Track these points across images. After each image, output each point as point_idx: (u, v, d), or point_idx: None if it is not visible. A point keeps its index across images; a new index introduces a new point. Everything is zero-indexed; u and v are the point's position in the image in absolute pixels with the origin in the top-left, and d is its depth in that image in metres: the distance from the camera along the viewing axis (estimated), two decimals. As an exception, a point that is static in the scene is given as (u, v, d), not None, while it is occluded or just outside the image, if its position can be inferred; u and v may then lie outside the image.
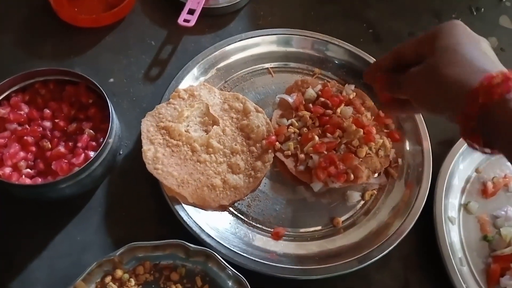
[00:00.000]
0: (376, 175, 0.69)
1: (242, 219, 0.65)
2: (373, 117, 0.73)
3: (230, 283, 0.58)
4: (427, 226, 0.66)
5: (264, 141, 0.68)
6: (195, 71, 0.73)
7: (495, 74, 0.44)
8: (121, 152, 0.69)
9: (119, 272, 0.58)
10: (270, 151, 0.68)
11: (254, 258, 0.60)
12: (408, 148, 0.72)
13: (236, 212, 0.65)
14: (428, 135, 0.72)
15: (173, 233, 0.60)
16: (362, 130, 0.68)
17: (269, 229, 0.65)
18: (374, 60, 0.77)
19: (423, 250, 0.66)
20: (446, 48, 0.49)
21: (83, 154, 0.61)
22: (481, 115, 0.44)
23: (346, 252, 0.63)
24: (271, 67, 0.78)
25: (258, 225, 0.65)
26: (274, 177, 0.69)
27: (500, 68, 0.46)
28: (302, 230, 0.66)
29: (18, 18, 0.80)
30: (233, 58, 0.77)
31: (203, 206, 0.63)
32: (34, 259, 0.60)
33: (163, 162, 0.64)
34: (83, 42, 0.78)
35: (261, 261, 0.60)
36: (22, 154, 0.61)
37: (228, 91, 0.75)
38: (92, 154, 0.61)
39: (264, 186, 0.68)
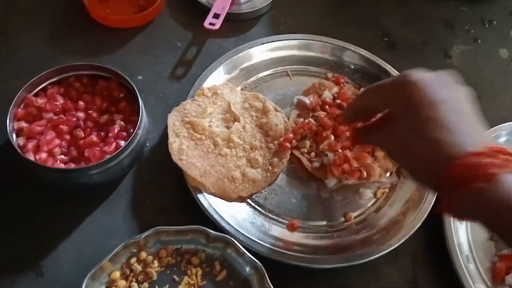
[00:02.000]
0: (388, 174, 0.73)
1: (259, 210, 0.69)
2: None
3: (247, 269, 0.62)
4: (436, 224, 0.69)
5: (281, 138, 0.72)
6: (220, 70, 0.77)
7: (463, 160, 0.40)
8: (147, 144, 0.73)
9: (143, 254, 0.62)
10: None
11: (270, 246, 0.63)
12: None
13: (253, 204, 0.69)
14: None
15: (195, 221, 0.63)
16: (375, 131, 0.72)
17: (285, 221, 0.68)
18: (389, 66, 0.81)
19: (431, 247, 0.69)
20: (419, 107, 0.44)
21: (114, 143, 0.65)
22: (455, 200, 0.42)
23: (357, 245, 0.66)
24: (290, 70, 0.82)
25: (274, 216, 0.68)
26: (290, 172, 0.73)
27: (482, 140, 0.42)
28: (315, 223, 0.69)
29: (52, 16, 0.86)
30: (255, 60, 0.81)
31: (223, 196, 0.67)
32: (63, 241, 0.64)
33: (187, 154, 0.68)
34: (113, 41, 0.83)
35: (277, 249, 0.63)
36: (57, 141, 0.66)
37: (249, 91, 0.79)
38: (122, 143, 0.65)
39: (281, 181, 0.72)
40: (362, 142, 0.56)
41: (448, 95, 0.46)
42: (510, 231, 0.41)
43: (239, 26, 0.88)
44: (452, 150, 0.42)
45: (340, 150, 0.70)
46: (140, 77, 0.79)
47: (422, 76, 0.46)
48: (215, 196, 0.67)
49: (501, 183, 0.40)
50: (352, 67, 0.83)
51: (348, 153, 0.70)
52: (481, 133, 0.45)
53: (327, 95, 0.76)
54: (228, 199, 0.68)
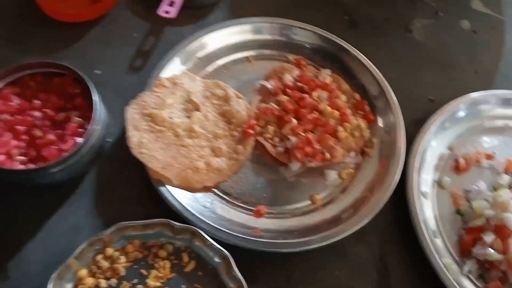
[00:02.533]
0: (352, 154, 0.73)
1: (225, 198, 0.69)
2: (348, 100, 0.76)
3: (215, 258, 0.62)
4: (402, 201, 0.70)
5: (245, 125, 0.72)
6: (176, 60, 0.76)
7: None
8: (108, 139, 0.72)
9: (109, 250, 0.61)
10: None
11: (237, 234, 0.63)
12: (381, 125, 0.76)
13: (219, 192, 0.69)
14: (401, 112, 0.75)
15: (160, 214, 0.63)
16: (337, 112, 0.72)
17: (252, 208, 0.68)
18: (349, 45, 0.81)
19: (398, 224, 0.70)
20: None
21: (71, 141, 0.64)
22: None
23: (324, 226, 0.67)
24: (251, 55, 0.81)
25: (240, 204, 0.69)
26: (255, 159, 0.72)
27: None
28: (282, 207, 0.69)
29: (4, 14, 0.83)
30: (213, 47, 0.80)
31: (187, 187, 0.67)
32: (29, 241, 0.64)
33: (147, 147, 0.67)
34: (69, 36, 0.81)
35: (244, 236, 0.63)
36: (14, 142, 0.64)
37: (210, 80, 0.78)
38: (80, 140, 0.64)
39: (246, 168, 0.72)
40: None
41: None
42: None
43: (197, 13, 0.86)
44: None
45: (302, 134, 0.70)
46: (98, 71, 0.78)
47: None
48: (179, 188, 0.66)
49: None
50: (311, 47, 0.83)
51: (310, 135, 0.70)
52: None
53: (288, 78, 0.76)
54: (193, 190, 0.67)
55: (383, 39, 0.89)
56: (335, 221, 0.67)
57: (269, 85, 0.75)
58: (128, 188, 0.69)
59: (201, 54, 0.79)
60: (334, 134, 0.71)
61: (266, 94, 0.76)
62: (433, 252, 0.66)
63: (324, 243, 0.64)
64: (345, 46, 0.81)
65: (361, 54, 0.80)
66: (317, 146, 0.69)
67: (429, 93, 0.83)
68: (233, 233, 0.63)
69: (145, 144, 0.67)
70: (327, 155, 0.69)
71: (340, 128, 0.71)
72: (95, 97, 0.66)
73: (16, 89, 0.69)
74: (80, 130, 0.66)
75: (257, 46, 0.82)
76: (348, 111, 0.73)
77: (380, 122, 0.76)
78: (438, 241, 0.69)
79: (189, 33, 0.81)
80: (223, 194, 0.69)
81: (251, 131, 0.71)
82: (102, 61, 0.79)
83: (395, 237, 0.69)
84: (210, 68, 0.79)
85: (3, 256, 0.62)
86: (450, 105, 0.79)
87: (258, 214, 0.68)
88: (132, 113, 0.70)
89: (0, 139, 0.64)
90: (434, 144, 0.76)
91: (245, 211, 0.68)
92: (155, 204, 0.66)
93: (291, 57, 0.82)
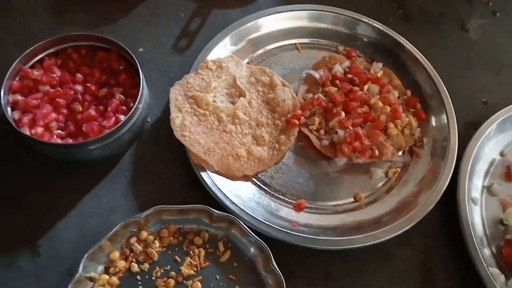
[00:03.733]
0: (400, 153, 0.69)
1: (265, 189, 0.66)
2: (399, 97, 0.73)
3: (252, 250, 0.59)
4: (450, 206, 0.66)
5: (289, 115, 0.69)
6: (225, 41, 0.74)
7: None
8: (148, 120, 0.70)
9: (144, 234, 0.59)
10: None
11: (276, 227, 0.60)
12: (434, 125, 0.72)
13: (259, 183, 0.66)
14: (454, 113, 0.71)
15: (198, 199, 0.61)
16: (389, 107, 0.68)
17: (291, 201, 0.65)
18: (404, 39, 0.77)
19: (444, 229, 0.66)
20: None
21: (113, 118, 0.62)
22: None
23: (367, 226, 0.63)
24: (299, 43, 0.78)
25: (280, 196, 0.66)
26: (298, 151, 0.69)
27: None
28: (323, 203, 0.66)
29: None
30: (263, 31, 0.77)
31: (227, 174, 0.64)
32: (63, 218, 0.62)
33: (190, 130, 0.64)
34: (114, 12, 0.79)
35: (283, 229, 0.60)
36: (53, 115, 0.63)
37: (255, 65, 0.75)
38: (122, 118, 0.62)
39: (288, 159, 0.69)
40: None
41: None
42: None
43: (246, -3, 0.84)
44: None
45: (351, 127, 0.67)
46: (141, 49, 0.76)
47: None
48: (220, 174, 0.64)
49: None
50: (365, 40, 0.79)
51: (360, 130, 0.66)
52: None
53: (338, 69, 0.72)
54: (233, 177, 0.65)
55: (437, 35, 0.84)
56: (379, 221, 0.64)
57: (317, 74, 0.72)
58: (166, 171, 0.66)
59: (253, 36, 0.76)
60: (385, 131, 0.68)
61: (312, 84, 0.73)
62: (482, 260, 0.62)
63: (367, 244, 0.61)
64: (401, 40, 0.77)
65: (416, 50, 0.76)
66: (367, 142, 0.66)
67: (482, 95, 0.79)
68: (272, 225, 0.61)
69: (187, 127, 0.64)
70: (376, 152, 0.66)
71: (391, 125, 0.68)
72: (141, 75, 0.63)
73: (59, 61, 0.67)
74: (123, 107, 0.64)
75: (307, 34, 0.79)
76: (400, 108, 0.69)
77: (432, 122, 0.72)
78: (486, 250, 0.65)
79: (236, 15, 0.79)
80: (263, 184, 0.66)
81: (296, 121, 0.68)
82: (146, 39, 0.77)
83: (441, 242, 0.66)
84: (257, 53, 0.77)
85: (36, 232, 0.61)
86: (506, 109, 0.74)
87: (298, 208, 0.65)
88: (176, 94, 0.67)
89: (40, 111, 0.62)
90: (487, 149, 0.72)
91: (285, 204, 0.65)
92: (192, 189, 0.64)
93: (342, 48, 0.78)
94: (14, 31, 0.76)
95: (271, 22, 0.77)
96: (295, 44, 0.78)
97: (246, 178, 0.66)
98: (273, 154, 0.67)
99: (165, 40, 0.77)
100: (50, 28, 0.76)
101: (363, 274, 0.62)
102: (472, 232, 0.63)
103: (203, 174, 0.62)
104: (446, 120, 0.71)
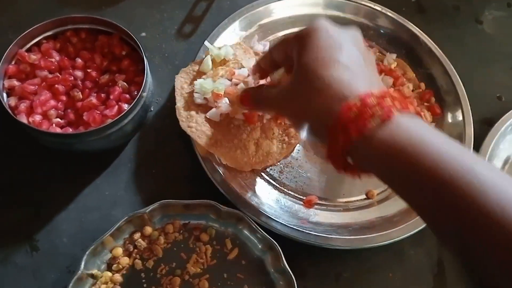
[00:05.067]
0: (413, 149, 0.67)
1: (274, 184, 0.63)
2: (413, 90, 0.70)
3: (260, 247, 0.57)
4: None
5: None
6: (233, 27, 0.70)
7: (352, 103, 0.38)
8: (152, 109, 0.66)
9: (148, 229, 0.56)
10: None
11: (286, 224, 0.58)
12: (449, 120, 0.70)
13: (268, 177, 0.63)
14: (470, 109, 0.69)
15: (204, 194, 0.58)
16: (403, 101, 0.65)
17: (301, 197, 0.63)
18: (419, 30, 0.74)
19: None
20: (306, 66, 0.42)
21: (116, 106, 0.58)
22: (345, 150, 0.40)
23: (380, 225, 0.61)
24: (310, 31, 0.75)
25: (290, 191, 0.63)
26: (308, 145, 0.67)
27: (359, 91, 0.39)
28: (335, 200, 0.63)
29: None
30: (273, 18, 0.73)
31: (235, 167, 0.61)
32: (62, 211, 0.59)
33: (197, 121, 0.61)
34: (115, -6, 0.75)
35: (293, 227, 0.58)
36: (52, 102, 0.59)
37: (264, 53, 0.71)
38: (125, 106, 0.58)
39: (298, 153, 0.66)
40: (252, 103, 0.53)
41: (347, 40, 0.44)
42: (403, 178, 0.37)
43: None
44: (345, 91, 0.40)
45: (364, 121, 0.64)
46: (143, 34, 0.72)
47: (323, 23, 0.45)
48: (227, 168, 0.61)
49: (394, 124, 0.37)
50: (379, 30, 0.76)
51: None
52: (379, 80, 0.44)
53: (351, 59, 0.69)
54: (241, 171, 0.62)
55: (452, 28, 0.82)
56: (391, 220, 0.61)
57: (329, 65, 0.69)
58: (171, 164, 0.63)
59: (260, 23, 0.72)
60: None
61: (324, 75, 0.70)
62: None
63: (381, 243, 0.58)
64: (416, 31, 0.74)
65: (432, 42, 0.73)
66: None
67: (497, 91, 0.77)
68: (282, 222, 0.58)
69: (194, 117, 0.61)
70: (390, 147, 0.63)
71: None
72: (146, 62, 0.60)
73: (57, 44, 0.63)
74: (125, 95, 0.60)
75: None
76: (414, 101, 0.67)
77: (446, 117, 0.70)
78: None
79: (243, 1, 0.75)
80: (272, 179, 0.63)
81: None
82: (149, 24, 0.73)
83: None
84: (266, 40, 0.73)
85: (34, 225, 0.58)
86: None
87: (309, 204, 0.62)
88: (181, 82, 0.64)
89: (38, 97, 0.58)
90: (501, 147, 0.70)
91: (295, 200, 0.62)
92: (198, 183, 0.61)
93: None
94: (10, 13, 0.72)
95: (283, 7, 0.74)
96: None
97: (254, 172, 0.63)
98: (282, 147, 0.64)
99: (169, 25, 0.73)
100: (49, 10, 0.72)
101: (375, 275, 0.60)
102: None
103: (210, 167, 0.59)
104: (461, 116, 0.68)
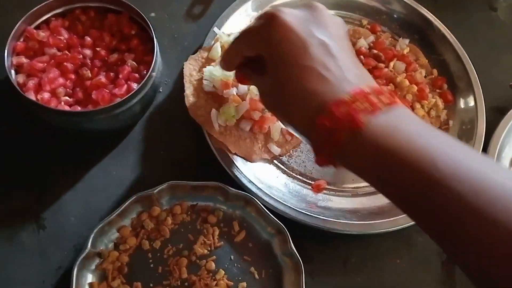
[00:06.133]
0: (425, 135, 0.66)
1: (283, 168, 0.62)
2: (426, 76, 0.69)
3: (268, 230, 0.56)
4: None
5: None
6: (248, 5, 0.69)
7: (342, 99, 0.36)
8: (161, 90, 0.66)
9: (156, 210, 0.56)
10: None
11: (293, 207, 0.57)
12: (461, 107, 0.69)
13: (276, 161, 0.63)
14: (482, 96, 0.68)
15: (212, 176, 0.57)
16: (415, 87, 0.65)
17: (310, 181, 0.62)
18: (433, 16, 0.73)
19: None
20: (289, 54, 0.40)
21: (125, 85, 0.58)
22: (332, 151, 0.37)
23: (388, 211, 0.60)
24: (321, 14, 0.73)
25: (298, 176, 0.62)
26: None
27: (342, 88, 0.37)
28: (343, 185, 0.63)
29: None
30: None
31: (245, 157, 0.61)
32: (68, 191, 0.58)
33: (205, 109, 0.60)
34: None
35: (301, 211, 0.57)
36: (61, 80, 0.58)
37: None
38: (135, 86, 0.58)
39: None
40: (246, 80, 0.50)
41: (321, 33, 0.40)
42: (384, 178, 0.36)
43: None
44: (320, 99, 0.38)
45: (375, 106, 0.63)
46: (153, 14, 0.71)
47: (290, 15, 0.41)
48: (237, 156, 0.60)
49: (365, 130, 0.35)
50: (391, 14, 0.74)
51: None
52: (357, 74, 0.40)
53: (363, 43, 0.68)
54: (250, 159, 0.61)
55: (465, 15, 0.80)
56: (400, 206, 0.61)
57: (340, 49, 0.68)
58: (179, 146, 0.62)
59: (276, 3, 0.71)
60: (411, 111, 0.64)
61: (335, 60, 0.69)
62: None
63: (389, 229, 0.58)
64: (429, 17, 0.73)
65: (445, 27, 0.72)
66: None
67: (509, 79, 0.75)
68: (290, 205, 0.57)
69: (202, 105, 0.60)
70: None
71: (418, 105, 0.64)
72: (155, 41, 0.59)
73: (66, 22, 0.63)
74: (135, 75, 0.60)
75: (329, 5, 0.74)
76: (427, 88, 0.66)
77: (459, 104, 0.69)
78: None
79: (255, -17, 0.73)
80: (280, 163, 0.63)
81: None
82: (158, 4, 0.72)
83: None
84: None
85: (40, 204, 0.57)
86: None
87: (317, 189, 0.61)
88: (190, 69, 0.63)
89: (46, 75, 0.58)
90: (513, 135, 0.69)
91: (304, 184, 0.62)
92: (206, 165, 0.60)
93: (366, 21, 0.74)
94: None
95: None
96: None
97: (264, 160, 0.62)
98: (292, 137, 0.64)
99: (179, 5, 0.73)
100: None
101: (383, 261, 0.60)
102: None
103: (218, 150, 0.59)
104: (473, 103, 0.67)
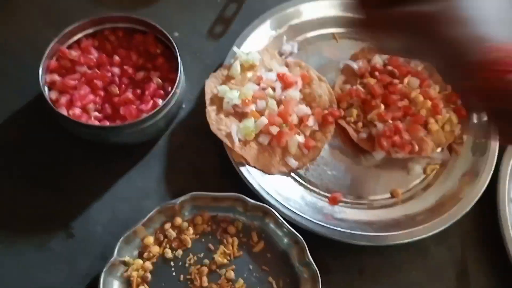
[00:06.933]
0: (439, 150, 0.68)
1: (299, 181, 0.65)
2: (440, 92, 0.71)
3: (286, 241, 0.58)
4: (489, 206, 0.64)
5: (326, 111, 0.67)
6: (263, 28, 0.72)
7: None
8: (183, 106, 0.69)
9: (178, 220, 0.58)
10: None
11: (311, 219, 0.59)
12: (475, 121, 0.70)
13: (294, 174, 0.65)
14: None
15: (232, 187, 0.60)
16: (430, 102, 0.66)
17: (326, 194, 0.64)
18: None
19: (482, 229, 0.65)
20: None
21: (151, 101, 0.61)
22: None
23: (404, 223, 0.62)
24: (337, 33, 0.76)
25: (315, 188, 0.64)
26: (334, 143, 0.68)
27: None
28: (359, 198, 0.65)
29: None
30: (305, 18, 0.75)
31: (263, 170, 0.63)
32: (96, 201, 0.62)
33: (226, 124, 0.63)
34: (149, -6, 0.78)
35: (318, 222, 0.59)
36: (91, 97, 0.62)
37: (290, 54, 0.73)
38: (160, 102, 0.61)
39: (324, 152, 0.67)
40: (377, 20, 0.43)
41: None
42: None
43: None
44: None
45: (390, 121, 0.65)
46: (176, 34, 0.74)
47: None
48: (256, 169, 0.63)
49: None
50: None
51: (400, 124, 0.65)
52: None
53: (378, 60, 0.71)
54: (268, 172, 0.63)
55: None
56: (416, 219, 0.62)
57: (355, 65, 0.70)
58: (200, 159, 0.65)
59: (293, 22, 0.74)
60: (425, 126, 0.66)
61: (350, 75, 0.71)
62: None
63: (404, 241, 0.59)
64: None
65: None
66: (406, 137, 0.64)
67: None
68: (307, 217, 0.59)
69: (223, 120, 0.63)
70: (416, 147, 0.64)
71: (432, 120, 0.66)
72: (179, 60, 0.62)
73: (96, 42, 0.67)
74: (160, 91, 0.63)
75: (345, 24, 0.76)
76: (441, 103, 0.68)
77: (472, 119, 0.70)
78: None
79: (273, 2, 0.76)
80: (298, 176, 0.65)
81: (331, 119, 0.66)
82: (182, 24, 0.76)
83: (479, 242, 0.64)
84: (294, 41, 0.74)
85: (69, 213, 0.61)
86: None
87: (334, 202, 0.63)
88: (211, 86, 0.66)
89: (78, 92, 0.62)
90: (529, 147, 0.70)
91: (320, 197, 0.64)
92: (226, 178, 0.63)
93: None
94: (50, 12, 0.75)
95: (308, 10, 0.75)
96: (333, 33, 0.76)
97: (282, 173, 0.65)
98: (308, 150, 0.66)
99: (201, 25, 0.76)
100: (86, 10, 0.75)
101: (398, 271, 0.61)
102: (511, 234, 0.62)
103: (238, 163, 0.61)
104: (487, 118, 0.68)
